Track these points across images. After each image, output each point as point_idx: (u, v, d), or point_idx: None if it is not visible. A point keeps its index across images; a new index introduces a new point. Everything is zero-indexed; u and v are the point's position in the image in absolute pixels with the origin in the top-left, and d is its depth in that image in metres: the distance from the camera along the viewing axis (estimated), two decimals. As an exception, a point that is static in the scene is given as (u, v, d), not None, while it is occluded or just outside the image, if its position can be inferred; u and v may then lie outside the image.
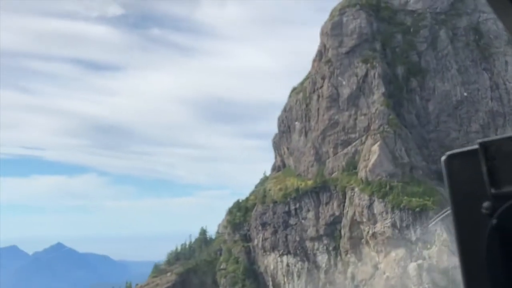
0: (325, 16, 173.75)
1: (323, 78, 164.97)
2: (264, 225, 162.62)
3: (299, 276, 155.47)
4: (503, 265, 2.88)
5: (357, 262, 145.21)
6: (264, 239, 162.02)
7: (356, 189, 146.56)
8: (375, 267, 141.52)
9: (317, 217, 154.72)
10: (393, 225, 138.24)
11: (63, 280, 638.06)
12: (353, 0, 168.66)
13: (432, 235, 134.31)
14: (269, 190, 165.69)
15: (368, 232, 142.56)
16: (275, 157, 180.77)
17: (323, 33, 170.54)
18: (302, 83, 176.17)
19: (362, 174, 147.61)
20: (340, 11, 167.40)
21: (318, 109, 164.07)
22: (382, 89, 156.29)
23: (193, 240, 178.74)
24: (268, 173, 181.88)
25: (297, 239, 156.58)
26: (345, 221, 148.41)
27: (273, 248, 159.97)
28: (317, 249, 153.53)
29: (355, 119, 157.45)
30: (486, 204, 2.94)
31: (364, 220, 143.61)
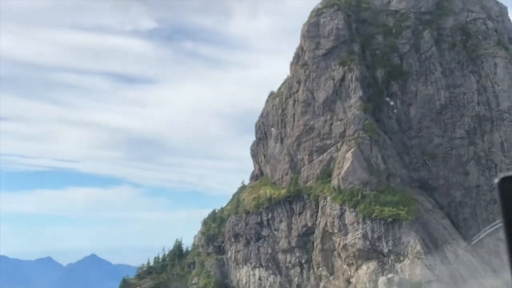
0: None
1: (298, 82, 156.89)
2: (236, 236, 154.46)
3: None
4: None
5: (329, 276, 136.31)
6: (237, 251, 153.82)
7: (328, 198, 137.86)
8: (347, 281, 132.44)
9: (289, 228, 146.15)
10: (364, 236, 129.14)
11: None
12: (331, 1, 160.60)
13: (405, 247, 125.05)
14: (243, 200, 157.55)
15: (339, 243, 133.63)
16: (254, 165, 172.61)
17: (301, 35, 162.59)
18: (280, 88, 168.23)
19: (334, 182, 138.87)
20: (318, 12, 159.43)
21: (294, 114, 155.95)
22: (360, 93, 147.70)
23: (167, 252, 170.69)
24: (247, 182, 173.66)
25: (269, 251, 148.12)
26: (317, 232, 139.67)
27: (245, 261, 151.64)
28: (290, 262, 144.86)
29: (331, 124, 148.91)
30: None
31: (335, 231, 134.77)
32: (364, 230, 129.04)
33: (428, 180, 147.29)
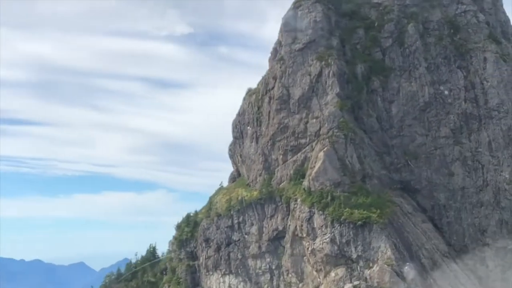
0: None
1: (274, 78, 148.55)
2: (207, 241, 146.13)
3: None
4: None
5: (298, 283, 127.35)
6: (207, 257, 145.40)
7: (299, 200, 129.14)
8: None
9: (260, 232, 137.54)
10: (332, 240, 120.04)
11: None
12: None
13: (375, 253, 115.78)
14: (216, 202, 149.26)
15: (308, 248, 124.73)
16: (232, 166, 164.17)
17: (279, 29, 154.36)
18: (258, 85, 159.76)
19: (305, 183, 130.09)
20: (296, 4, 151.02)
21: (269, 112, 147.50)
22: (337, 89, 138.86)
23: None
24: (225, 183, 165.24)
25: (239, 257, 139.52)
26: (287, 237, 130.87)
27: (216, 267, 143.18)
28: (260, 268, 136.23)
29: (306, 122, 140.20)
30: None
31: (304, 235, 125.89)
32: (332, 234, 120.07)
33: (410, 181, 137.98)
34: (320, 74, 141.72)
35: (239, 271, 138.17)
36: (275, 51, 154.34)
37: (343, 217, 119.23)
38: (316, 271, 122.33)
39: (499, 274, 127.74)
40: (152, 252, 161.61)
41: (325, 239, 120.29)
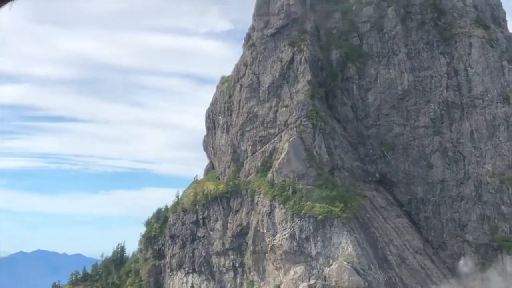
0: None
1: (245, 65, 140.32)
2: (173, 238, 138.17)
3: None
4: None
5: (260, 281, 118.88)
6: (173, 255, 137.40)
7: (262, 194, 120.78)
8: (278, 287, 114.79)
9: (225, 228, 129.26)
10: (292, 236, 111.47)
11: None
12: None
13: (335, 249, 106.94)
14: (185, 196, 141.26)
15: (268, 245, 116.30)
16: (207, 158, 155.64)
17: (253, 14, 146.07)
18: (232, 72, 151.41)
19: (269, 175, 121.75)
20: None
21: (240, 101, 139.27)
22: (308, 77, 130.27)
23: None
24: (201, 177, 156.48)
25: (203, 254, 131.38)
26: (250, 233, 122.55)
27: (180, 266, 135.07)
28: (223, 265, 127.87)
29: (276, 111, 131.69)
30: None
31: (265, 230, 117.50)
32: (292, 229, 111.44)
33: (386, 174, 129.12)
34: (292, 60, 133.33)
35: (203, 269, 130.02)
36: (248, 37, 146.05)
37: (303, 211, 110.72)
38: (276, 269, 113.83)
39: (479, 273, 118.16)
40: (119, 252, 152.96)
41: (285, 235, 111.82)
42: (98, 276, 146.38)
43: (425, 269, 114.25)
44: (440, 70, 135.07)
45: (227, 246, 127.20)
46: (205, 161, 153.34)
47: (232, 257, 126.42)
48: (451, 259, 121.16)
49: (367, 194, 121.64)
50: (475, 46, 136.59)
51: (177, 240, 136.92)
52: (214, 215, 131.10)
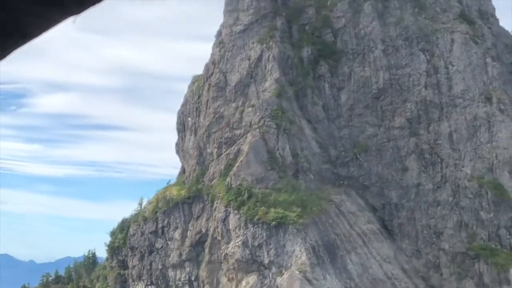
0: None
1: (214, 64, 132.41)
2: (132, 249, 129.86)
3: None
4: None
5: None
6: (133, 267, 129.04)
7: (220, 199, 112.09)
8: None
9: (184, 237, 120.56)
10: (244, 244, 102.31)
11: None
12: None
13: (288, 257, 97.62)
14: (149, 203, 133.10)
15: (223, 253, 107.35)
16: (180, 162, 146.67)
17: (223, 10, 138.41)
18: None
19: (228, 179, 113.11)
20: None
21: (207, 101, 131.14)
22: (276, 74, 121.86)
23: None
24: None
25: (160, 267, 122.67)
26: (208, 241, 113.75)
27: (139, 277, 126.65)
28: (179, 279, 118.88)
29: (242, 111, 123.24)
30: None
31: (220, 238, 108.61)
32: (245, 236, 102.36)
33: (358, 177, 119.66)
34: (260, 58, 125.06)
35: (159, 283, 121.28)
36: (218, 34, 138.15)
37: (257, 217, 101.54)
38: (229, 280, 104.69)
39: (454, 283, 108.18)
40: (91, 257, 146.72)
41: (237, 242, 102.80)
42: (68, 279, 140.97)
43: (392, 279, 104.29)
44: (419, 68, 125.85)
45: (183, 257, 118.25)
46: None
47: (188, 269, 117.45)
48: (426, 268, 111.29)
49: (334, 199, 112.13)
50: (457, 42, 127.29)
51: (136, 252, 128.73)
52: (174, 223, 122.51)
